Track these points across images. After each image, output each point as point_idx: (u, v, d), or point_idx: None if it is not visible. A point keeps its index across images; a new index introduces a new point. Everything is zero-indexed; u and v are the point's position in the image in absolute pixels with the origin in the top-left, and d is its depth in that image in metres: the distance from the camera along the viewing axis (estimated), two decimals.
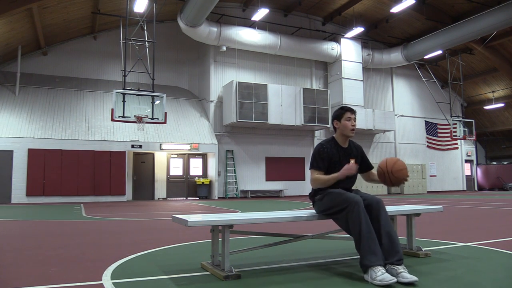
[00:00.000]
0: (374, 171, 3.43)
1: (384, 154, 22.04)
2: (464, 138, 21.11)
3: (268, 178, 19.13)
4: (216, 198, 17.51)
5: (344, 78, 20.12)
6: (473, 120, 21.84)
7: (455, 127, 20.37)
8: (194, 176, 18.38)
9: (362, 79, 20.73)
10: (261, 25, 18.71)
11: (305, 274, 2.95)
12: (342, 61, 20.29)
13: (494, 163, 26.67)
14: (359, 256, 2.76)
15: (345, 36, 20.39)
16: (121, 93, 12.48)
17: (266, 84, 18.03)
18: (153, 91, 12.85)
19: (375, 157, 21.70)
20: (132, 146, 16.18)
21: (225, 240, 2.90)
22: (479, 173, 26.37)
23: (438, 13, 19.81)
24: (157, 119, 12.74)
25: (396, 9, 17.32)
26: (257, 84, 17.88)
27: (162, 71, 18.54)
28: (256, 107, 17.47)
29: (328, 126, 18.78)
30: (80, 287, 2.66)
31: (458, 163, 25.00)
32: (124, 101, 12.39)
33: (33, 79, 17.04)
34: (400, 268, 2.68)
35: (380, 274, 2.58)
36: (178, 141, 17.01)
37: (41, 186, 14.74)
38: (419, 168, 22.86)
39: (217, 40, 17.80)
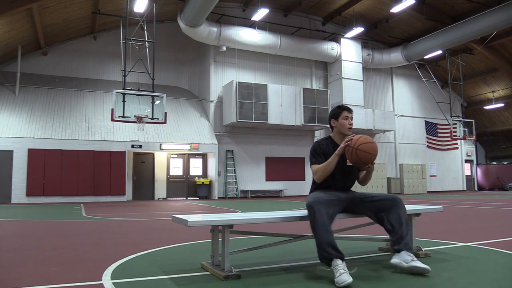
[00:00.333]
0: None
1: (384, 154, 22.05)
2: (464, 138, 21.11)
3: (268, 178, 19.13)
4: (216, 198, 17.51)
5: (344, 78, 20.12)
6: (473, 120, 21.84)
7: (455, 127, 20.36)
8: (194, 176, 18.39)
9: (362, 79, 20.73)
10: (261, 25, 18.71)
11: (305, 274, 2.95)
12: (342, 61, 20.29)
13: (494, 163, 26.67)
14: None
15: (345, 36, 20.39)
16: (121, 93, 12.48)
17: (266, 84, 18.03)
18: (153, 91, 12.86)
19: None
20: (132, 146, 16.19)
21: (225, 240, 2.90)
22: (479, 173, 26.37)
23: (438, 13, 19.81)
24: (157, 119, 12.73)
25: (396, 9, 17.33)
26: (257, 84, 17.89)
27: (162, 71, 18.54)
28: (256, 107, 17.48)
29: (328, 126, 18.75)
30: (80, 287, 2.66)
31: (458, 163, 25.00)
32: (124, 101, 12.39)
33: (33, 79, 17.04)
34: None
35: (338, 274, 2.61)
36: (178, 141, 17.01)
37: (41, 186, 14.74)
38: (419, 168, 22.86)
39: (217, 40, 17.80)
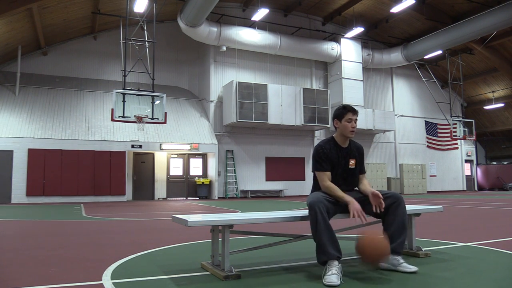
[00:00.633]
0: (364, 180, 3.38)
1: (384, 154, 22.06)
2: (464, 138, 21.11)
3: (268, 178, 19.13)
4: (216, 198, 17.51)
5: (344, 78, 20.12)
6: (473, 120, 21.85)
7: (455, 127, 20.37)
8: (194, 176, 18.39)
9: (362, 79, 20.73)
10: (261, 25, 18.71)
11: (305, 274, 2.95)
12: (342, 61, 20.29)
13: (494, 163, 26.68)
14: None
15: (345, 36, 20.39)
16: (121, 93, 12.48)
17: (266, 84, 18.03)
18: (153, 91, 12.85)
19: (375, 157, 21.72)
20: (132, 146, 16.19)
21: (225, 240, 2.90)
22: (479, 173, 26.37)
23: (438, 13, 19.81)
24: (157, 119, 12.73)
25: (396, 9, 17.32)
26: (257, 84, 17.89)
27: (162, 71, 18.54)
28: (256, 107, 17.48)
29: (328, 126, 18.78)
30: (80, 287, 2.66)
31: (458, 163, 25.00)
32: (124, 101, 12.39)
33: (33, 79, 17.04)
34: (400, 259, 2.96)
35: (329, 273, 2.64)
36: (178, 141, 17.01)
37: (41, 186, 14.74)
38: (419, 168, 22.87)
39: (217, 40, 17.80)
